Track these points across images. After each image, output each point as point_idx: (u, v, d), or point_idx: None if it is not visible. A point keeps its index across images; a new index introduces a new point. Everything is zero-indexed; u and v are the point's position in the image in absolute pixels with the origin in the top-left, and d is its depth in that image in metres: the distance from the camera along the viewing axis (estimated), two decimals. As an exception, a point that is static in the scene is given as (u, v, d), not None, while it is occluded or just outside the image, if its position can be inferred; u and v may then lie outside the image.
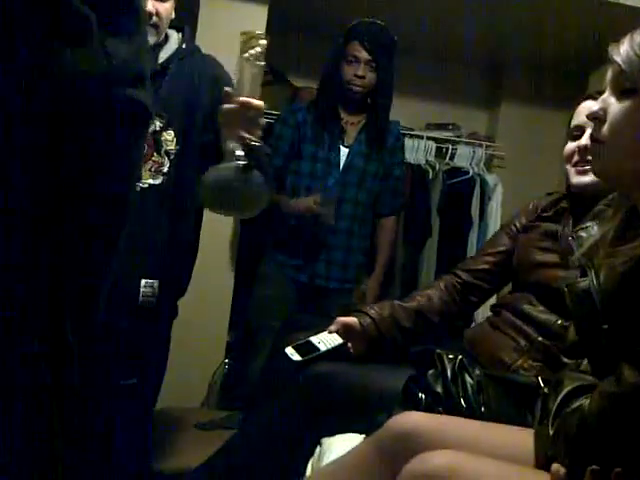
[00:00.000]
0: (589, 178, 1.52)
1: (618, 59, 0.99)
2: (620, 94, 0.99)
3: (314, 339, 1.65)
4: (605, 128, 1.00)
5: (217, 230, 2.65)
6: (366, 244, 2.67)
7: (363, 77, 2.45)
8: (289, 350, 1.62)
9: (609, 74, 1.03)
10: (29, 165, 0.47)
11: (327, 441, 1.47)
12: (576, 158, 1.57)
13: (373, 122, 2.55)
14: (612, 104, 1.00)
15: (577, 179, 1.57)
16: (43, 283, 0.50)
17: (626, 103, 0.98)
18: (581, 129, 1.58)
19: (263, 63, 1.31)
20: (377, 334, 1.67)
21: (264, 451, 1.58)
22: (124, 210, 0.66)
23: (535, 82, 3.58)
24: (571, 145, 1.60)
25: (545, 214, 1.68)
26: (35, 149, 0.48)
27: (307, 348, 1.63)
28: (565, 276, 1.39)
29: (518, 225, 1.73)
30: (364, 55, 2.44)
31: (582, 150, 1.55)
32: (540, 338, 1.49)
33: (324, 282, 2.56)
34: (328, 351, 1.64)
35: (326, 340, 1.66)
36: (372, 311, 1.70)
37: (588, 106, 1.56)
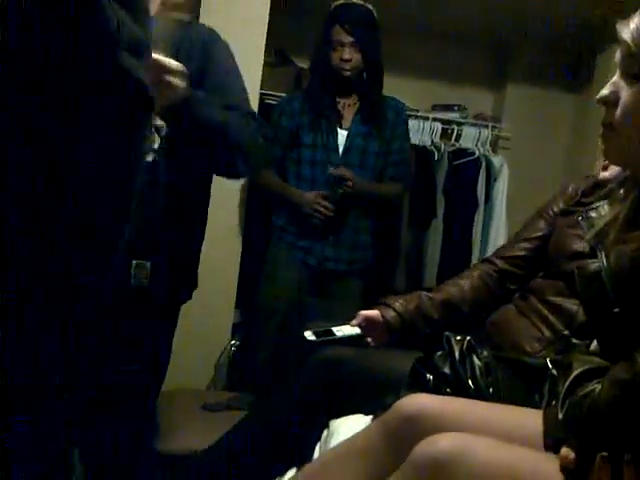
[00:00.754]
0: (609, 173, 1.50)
1: (627, 38, 0.95)
2: (631, 77, 0.96)
3: (335, 328, 1.66)
4: (617, 113, 0.98)
5: (224, 210, 2.64)
6: (372, 224, 2.67)
7: (349, 60, 2.47)
8: (307, 333, 1.63)
9: (618, 55, 1.00)
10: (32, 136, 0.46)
11: (334, 423, 1.48)
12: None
13: (366, 100, 2.56)
14: (623, 88, 0.97)
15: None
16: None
17: (637, 87, 0.95)
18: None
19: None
20: (401, 327, 1.64)
21: (272, 435, 1.59)
22: (128, 197, 0.63)
23: (542, 62, 3.54)
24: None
25: (585, 199, 1.58)
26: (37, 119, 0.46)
27: (325, 332, 1.65)
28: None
29: (556, 209, 1.66)
30: (347, 38, 2.46)
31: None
32: (567, 332, 1.43)
33: (334, 265, 2.56)
34: (343, 337, 1.64)
35: (346, 331, 1.66)
36: (397, 304, 1.67)
37: None
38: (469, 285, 1.69)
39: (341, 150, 2.54)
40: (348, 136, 2.55)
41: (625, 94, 0.97)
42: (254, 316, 2.71)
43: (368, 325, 1.67)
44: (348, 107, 2.58)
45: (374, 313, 1.67)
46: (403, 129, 2.71)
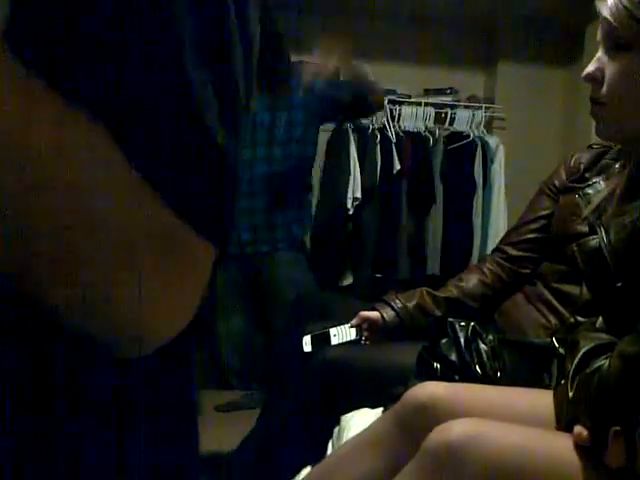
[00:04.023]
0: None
1: (607, 14, 0.96)
2: (614, 52, 0.96)
3: (332, 331, 1.66)
4: (604, 89, 0.98)
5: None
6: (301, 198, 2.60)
7: None
8: (306, 339, 1.65)
9: (599, 31, 1.00)
10: None
11: (345, 418, 1.48)
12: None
13: (263, 71, 2.41)
14: (607, 63, 0.98)
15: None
16: None
17: (621, 61, 0.95)
18: None
19: None
20: (400, 326, 1.63)
21: (281, 440, 1.60)
22: None
23: (531, 39, 3.52)
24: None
25: (588, 173, 1.52)
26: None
27: (322, 339, 1.65)
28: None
29: (558, 184, 1.58)
30: None
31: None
32: (572, 319, 1.36)
33: (251, 249, 2.50)
34: (340, 344, 1.65)
35: (343, 333, 1.67)
36: (396, 303, 1.65)
37: None
38: (477, 279, 1.65)
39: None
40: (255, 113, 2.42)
41: (610, 69, 0.97)
42: (259, 315, 2.71)
43: (368, 326, 1.66)
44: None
45: (373, 314, 1.65)
46: (300, 98, 2.50)
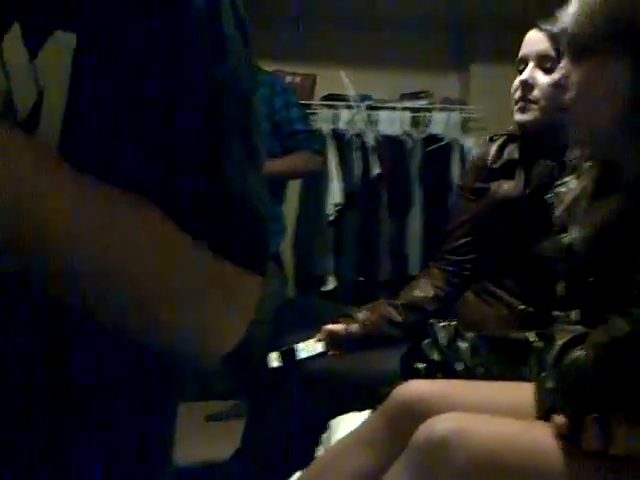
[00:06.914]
0: (528, 116, 1.48)
1: (568, 24, 1.00)
2: (577, 60, 1.01)
3: (299, 346, 1.68)
4: (569, 96, 1.02)
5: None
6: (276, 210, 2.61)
7: None
8: (272, 356, 1.67)
9: (563, 41, 1.04)
10: None
11: (334, 422, 1.51)
12: (518, 94, 1.50)
13: None
14: (572, 71, 1.02)
15: (518, 116, 1.51)
16: None
17: (583, 68, 1.00)
18: (525, 62, 1.50)
19: None
20: (366, 337, 1.66)
21: (271, 451, 1.62)
22: None
23: (501, 40, 3.57)
24: (516, 81, 1.52)
25: (495, 165, 1.58)
26: None
27: (290, 354, 1.67)
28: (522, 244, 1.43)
29: (470, 186, 1.66)
30: None
31: (523, 85, 1.48)
32: (522, 306, 1.47)
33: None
34: (306, 359, 1.67)
35: (309, 348, 1.69)
36: (360, 315, 1.69)
37: (532, 37, 1.52)
38: (429, 284, 1.69)
39: None
40: None
41: (574, 76, 1.01)
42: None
43: (333, 339, 1.68)
44: None
45: (338, 327, 1.68)
46: (283, 100, 2.57)
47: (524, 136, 1.54)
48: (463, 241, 1.66)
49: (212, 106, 0.46)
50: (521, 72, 1.51)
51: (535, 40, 1.54)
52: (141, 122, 0.44)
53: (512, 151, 1.58)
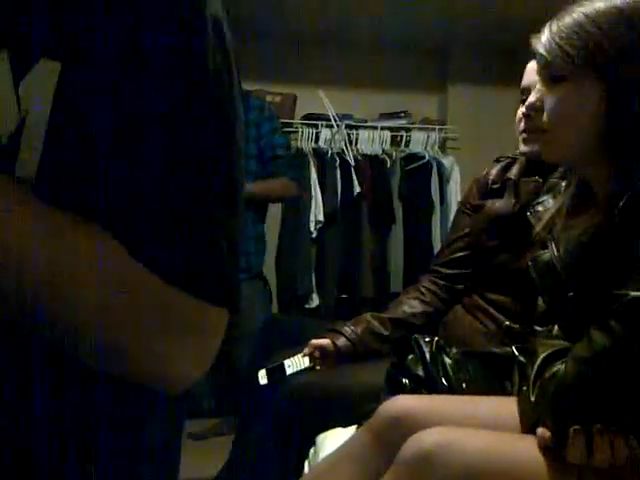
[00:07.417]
0: (530, 147, 1.50)
1: (542, 50, 1.04)
2: (550, 83, 1.05)
3: (286, 362, 1.70)
4: (544, 117, 1.07)
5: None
6: (258, 229, 2.67)
7: None
8: (261, 372, 1.68)
9: (537, 66, 1.09)
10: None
11: (321, 438, 1.52)
12: (522, 126, 1.52)
13: None
14: (546, 93, 1.07)
15: (522, 148, 1.55)
16: None
17: (557, 91, 1.04)
18: (527, 91, 1.51)
19: None
20: (353, 351, 1.67)
21: (257, 467, 1.63)
22: None
23: (479, 61, 3.65)
24: (519, 111, 1.53)
25: (495, 185, 1.63)
26: None
27: (278, 371, 1.69)
28: (510, 259, 1.46)
29: (472, 202, 1.70)
30: None
31: (525, 117, 1.49)
32: (507, 322, 1.49)
33: None
34: (294, 374, 1.69)
35: (297, 363, 1.70)
36: (346, 329, 1.70)
37: (532, 67, 1.50)
38: (417, 299, 1.72)
39: None
40: None
41: (548, 99, 1.06)
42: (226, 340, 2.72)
43: (321, 353, 1.69)
44: None
45: (325, 342, 1.69)
46: (270, 126, 2.65)
47: (528, 161, 1.58)
48: (459, 255, 1.70)
49: (187, 136, 0.46)
50: (523, 102, 1.52)
51: (535, 70, 1.58)
52: (113, 152, 0.44)
53: (513, 171, 1.62)
